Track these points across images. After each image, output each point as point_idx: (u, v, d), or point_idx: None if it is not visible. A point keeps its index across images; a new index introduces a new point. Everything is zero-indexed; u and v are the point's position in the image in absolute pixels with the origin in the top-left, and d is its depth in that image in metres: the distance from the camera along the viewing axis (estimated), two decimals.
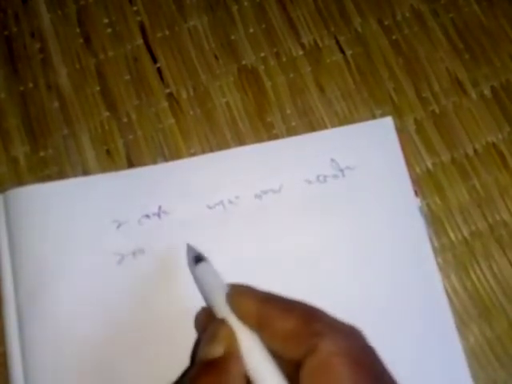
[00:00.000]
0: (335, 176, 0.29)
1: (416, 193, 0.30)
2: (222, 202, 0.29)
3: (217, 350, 0.21)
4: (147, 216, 0.28)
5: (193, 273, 0.26)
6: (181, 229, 0.28)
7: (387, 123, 0.31)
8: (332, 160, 0.30)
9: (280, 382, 0.20)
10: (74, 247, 0.27)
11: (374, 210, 0.29)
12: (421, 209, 0.30)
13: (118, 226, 0.28)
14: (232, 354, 0.21)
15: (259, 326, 0.21)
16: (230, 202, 0.29)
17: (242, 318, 0.21)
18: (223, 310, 0.22)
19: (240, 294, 0.22)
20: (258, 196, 0.29)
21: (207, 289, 0.24)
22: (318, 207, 0.29)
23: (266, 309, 0.21)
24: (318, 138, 0.30)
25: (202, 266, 0.25)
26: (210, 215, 0.28)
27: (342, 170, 0.29)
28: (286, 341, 0.20)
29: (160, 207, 0.28)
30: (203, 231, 0.28)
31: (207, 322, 0.23)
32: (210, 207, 0.29)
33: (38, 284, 0.27)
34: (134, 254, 0.28)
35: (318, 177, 0.29)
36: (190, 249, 0.27)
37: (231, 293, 0.23)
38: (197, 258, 0.25)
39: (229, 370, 0.20)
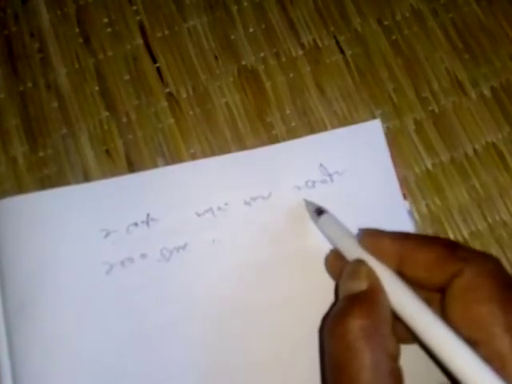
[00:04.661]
0: (324, 181, 0.29)
1: (404, 196, 0.30)
2: (211, 209, 0.28)
3: (361, 285, 0.22)
4: (135, 224, 0.28)
5: (317, 225, 0.27)
6: (169, 236, 0.28)
7: (375, 126, 0.31)
8: (321, 165, 0.30)
9: (427, 312, 0.21)
10: (61, 257, 0.27)
11: (363, 215, 0.28)
12: (410, 212, 0.29)
13: (106, 235, 0.28)
14: (376, 286, 0.22)
15: (400, 261, 0.22)
16: (220, 208, 0.28)
17: (382, 256, 0.23)
18: (357, 252, 0.24)
19: (375, 236, 0.24)
20: (247, 203, 0.29)
21: (336, 236, 0.26)
22: (307, 213, 0.28)
23: (405, 244, 0.23)
24: (306, 143, 0.30)
25: (324, 217, 0.27)
26: (199, 222, 0.28)
27: (330, 175, 0.29)
28: (429, 269, 0.22)
29: (148, 215, 0.28)
30: (192, 238, 0.28)
31: (337, 262, 0.25)
32: (198, 214, 0.28)
33: (26, 295, 0.26)
34: (122, 263, 0.27)
35: (306, 182, 0.29)
36: (309, 204, 0.28)
37: (364, 235, 0.24)
38: (318, 211, 0.27)
39: (378, 300, 0.22)
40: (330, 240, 0.26)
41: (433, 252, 0.22)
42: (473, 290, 0.20)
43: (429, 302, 0.21)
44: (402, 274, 0.22)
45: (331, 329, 0.22)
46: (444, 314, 0.21)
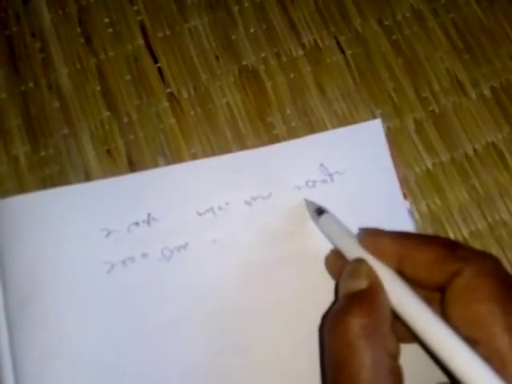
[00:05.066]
0: (324, 181, 0.29)
1: (405, 195, 0.30)
2: (211, 209, 0.28)
3: (361, 284, 0.22)
4: (136, 223, 0.28)
5: (317, 225, 0.27)
6: (170, 236, 0.28)
7: (376, 126, 0.31)
8: (321, 165, 0.30)
9: (427, 311, 0.21)
10: (63, 257, 0.27)
11: (363, 215, 0.28)
12: (410, 211, 0.30)
13: (107, 235, 0.28)
14: (376, 286, 0.22)
15: (400, 260, 0.22)
16: (220, 208, 0.29)
17: (382, 255, 0.23)
18: (356, 252, 0.24)
19: (375, 235, 0.24)
20: (247, 202, 0.29)
21: (336, 236, 0.26)
22: (307, 213, 0.28)
23: (405, 243, 0.23)
24: (306, 143, 0.30)
25: (324, 217, 0.27)
26: (200, 222, 0.28)
27: (330, 175, 0.29)
28: (429, 269, 0.22)
29: (149, 214, 0.28)
30: (193, 238, 0.28)
31: (338, 262, 0.26)
32: (199, 214, 0.28)
33: (27, 295, 0.26)
34: (123, 262, 0.27)
35: (306, 182, 0.29)
36: (309, 203, 0.28)
37: (364, 235, 0.24)
38: (318, 211, 0.27)
39: (379, 299, 0.22)
40: (330, 240, 0.26)
41: (432, 251, 0.22)
42: (472, 290, 0.20)
43: (429, 302, 0.21)
44: (401, 274, 0.23)
45: (331, 327, 0.22)
46: (444, 314, 0.21)
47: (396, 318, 0.22)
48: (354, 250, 0.24)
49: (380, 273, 0.23)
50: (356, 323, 0.21)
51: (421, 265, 0.22)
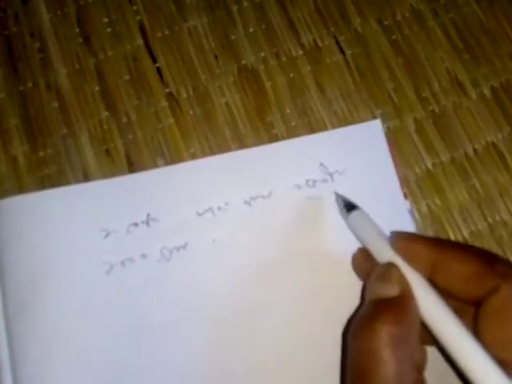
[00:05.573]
0: (324, 180, 0.29)
1: (405, 195, 0.30)
2: (211, 209, 0.28)
3: (392, 290, 0.21)
4: (135, 224, 0.28)
5: (346, 221, 0.26)
6: (170, 236, 0.28)
7: (375, 126, 0.31)
8: (321, 164, 0.29)
9: (458, 326, 0.20)
10: (62, 257, 0.27)
11: None
12: (410, 211, 0.29)
13: (106, 235, 0.28)
14: (407, 293, 0.21)
15: (433, 269, 0.21)
16: (220, 208, 0.28)
17: (414, 261, 0.22)
18: (387, 255, 0.23)
19: (409, 240, 0.23)
20: (247, 202, 0.29)
21: (365, 235, 0.24)
22: (307, 212, 0.28)
23: (439, 252, 0.21)
24: (306, 143, 0.30)
25: (355, 213, 0.25)
26: (200, 222, 0.28)
27: (331, 174, 0.29)
28: (464, 282, 0.21)
29: (148, 215, 0.28)
30: (192, 238, 0.28)
31: (365, 263, 0.24)
32: (199, 214, 0.28)
33: (27, 295, 0.26)
34: (122, 263, 0.27)
35: (307, 181, 0.29)
36: (339, 197, 0.27)
37: (397, 238, 0.23)
38: (348, 207, 0.26)
39: (409, 309, 0.20)
40: (360, 238, 0.25)
41: (470, 265, 0.21)
42: (509, 309, 0.19)
43: (460, 313, 0.20)
44: (433, 282, 0.21)
45: (356, 332, 0.20)
46: (475, 330, 0.20)
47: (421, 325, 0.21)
48: (384, 253, 0.23)
49: (411, 279, 0.21)
50: (384, 331, 0.19)
51: (456, 277, 0.21)
